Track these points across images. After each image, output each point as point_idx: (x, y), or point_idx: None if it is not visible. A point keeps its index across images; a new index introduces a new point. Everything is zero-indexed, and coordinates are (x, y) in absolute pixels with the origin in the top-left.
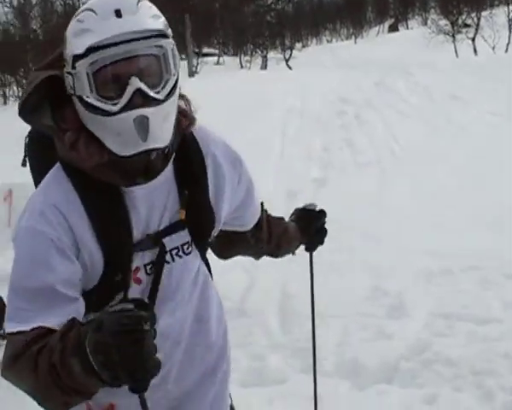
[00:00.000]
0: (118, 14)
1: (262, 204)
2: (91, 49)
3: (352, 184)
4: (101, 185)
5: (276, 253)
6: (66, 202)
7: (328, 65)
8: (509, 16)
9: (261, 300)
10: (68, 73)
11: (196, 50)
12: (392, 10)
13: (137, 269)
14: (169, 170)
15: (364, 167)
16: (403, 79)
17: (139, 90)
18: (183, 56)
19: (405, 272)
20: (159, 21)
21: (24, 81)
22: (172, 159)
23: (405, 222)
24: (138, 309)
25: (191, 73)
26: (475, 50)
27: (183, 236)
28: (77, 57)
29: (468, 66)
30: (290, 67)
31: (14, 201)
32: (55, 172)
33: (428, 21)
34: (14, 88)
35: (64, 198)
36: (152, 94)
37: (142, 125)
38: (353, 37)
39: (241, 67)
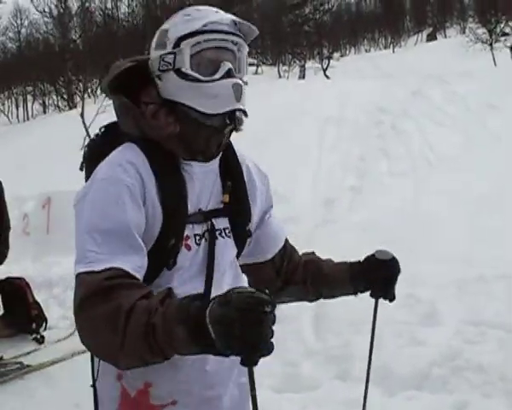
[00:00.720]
0: (217, 12)
1: (287, 239)
2: (206, 31)
3: (387, 193)
4: (167, 155)
5: (318, 295)
6: (139, 161)
7: (366, 74)
8: None
9: (295, 307)
10: (167, 53)
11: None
12: (431, 19)
13: (188, 237)
14: (216, 162)
15: (400, 177)
16: (440, 87)
17: (229, 70)
18: None
19: (438, 280)
20: None
21: (63, 90)
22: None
23: (439, 230)
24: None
25: None
26: None
27: (224, 222)
28: (183, 37)
29: (506, 74)
30: (328, 77)
31: (53, 208)
32: (126, 145)
33: (466, 30)
34: (54, 97)
35: (137, 158)
36: (238, 76)
37: (239, 90)
38: (391, 46)
39: (279, 76)
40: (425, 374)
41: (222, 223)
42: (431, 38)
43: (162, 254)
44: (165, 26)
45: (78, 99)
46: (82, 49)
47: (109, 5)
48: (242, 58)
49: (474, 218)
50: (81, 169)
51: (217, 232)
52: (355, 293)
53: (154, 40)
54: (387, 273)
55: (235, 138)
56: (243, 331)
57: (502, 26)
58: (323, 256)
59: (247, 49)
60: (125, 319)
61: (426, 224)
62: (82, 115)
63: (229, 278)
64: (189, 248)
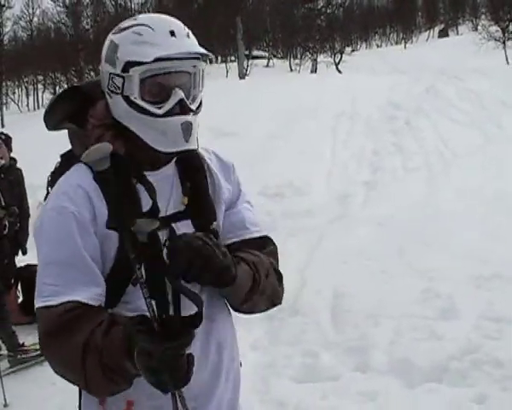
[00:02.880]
0: (172, 34)
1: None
2: (158, 60)
3: (402, 188)
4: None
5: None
6: (86, 181)
7: (377, 69)
8: None
9: (313, 299)
10: (116, 74)
11: (247, 53)
12: (442, 15)
13: None
14: (171, 167)
15: (414, 172)
16: (453, 85)
17: (181, 100)
18: (233, 58)
19: (456, 276)
20: (199, 46)
21: (75, 80)
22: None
23: (455, 227)
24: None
25: (242, 75)
26: None
27: (187, 226)
28: (132, 63)
29: None
30: (340, 71)
31: None
32: (75, 167)
33: (479, 27)
34: (65, 86)
35: (84, 178)
36: (190, 105)
37: (188, 130)
38: (403, 41)
39: (291, 70)
40: (444, 367)
41: (184, 227)
42: (443, 34)
43: (125, 271)
44: (115, 37)
45: None
46: (94, 40)
47: None
48: (198, 74)
49: (490, 215)
50: (45, 199)
51: None
52: None
53: (104, 50)
54: None
55: (252, 131)
56: (158, 369)
57: None
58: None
59: (203, 64)
60: (82, 361)
61: (441, 219)
62: None
63: (204, 295)
64: None
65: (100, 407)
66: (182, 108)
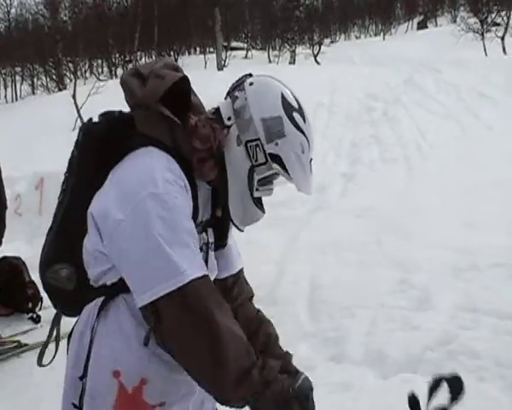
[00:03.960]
0: (310, 161)
1: (241, 270)
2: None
3: (380, 179)
4: (190, 171)
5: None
6: (180, 177)
7: (356, 61)
8: None
9: (291, 290)
10: (263, 151)
11: (225, 44)
12: (421, 7)
13: None
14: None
15: (392, 163)
16: (431, 76)
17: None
18: (212, 49)
19: (432, 267)
20: None
21: (53, 71)
22: None
23: (433, 218)
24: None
25: (220, 67)
26: (504, 49)
27: (212, 236)
28: (279, 163)
29: (497, 65)
30: (318, 63)
31: (46, 189)
32: (160, 154)
33: (458, 19)
34: (43, 78)
35: (178, 170)
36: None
37: (258, 221)
38: (382, 33)
39: (270, 61)
40: (419, 358)
41: (211, 236)
42: (422, 26)
43: None
44: (285, 121)
45: (68, 80)
46: (72, 31)
47: None
48: None
49: (467, 206)
50: (73, 153)
51: (209, 245)
52: None
53: (269, 113)
54: None
55: None
56: None
57: (493, 16)
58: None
59: None
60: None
61: (419, 210)
62: (74, 97)
63: None
64: None
65: (114, 379)
66: (261, 203)
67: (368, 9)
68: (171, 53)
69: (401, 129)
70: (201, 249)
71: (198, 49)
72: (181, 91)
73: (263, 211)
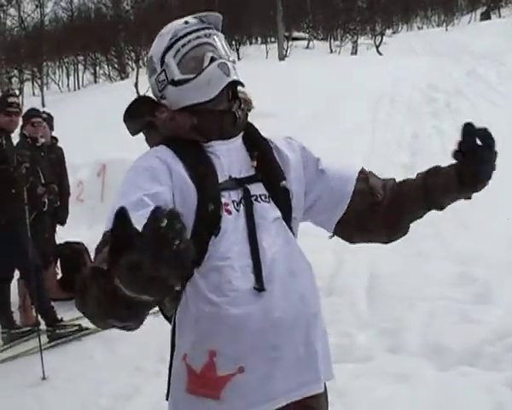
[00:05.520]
0: (186, 23)
1: (362, 171)
2: (179, 37)
3: None
4: (190, 144)
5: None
6: (167, 155)
7: (418, 52)
8: None
9: (349, 280)
10: (159, 73)
11: (286, 34)
12: None
13: (226, 204)
14: (239, 140)
15: None
16: (495, 68)
17: (212, 57)
18: (274, 40)
19: (492, 261)
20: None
21: (115, 60)
22: (242, 133)
23: (495, 211)
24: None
25: (282, 57)
26: None
27: (261, 188)
28: (163, 54)
29: None
30: (380, 53)
31: (108, 176)
32: (156, 147)
33: None
34: (105, 67)
35: (165, 153)
36: (222, 59)
37: (225, 66)
38: (444, 24)
39: (331, 51)
40: (477, 351)
41: (257, 189)
42: (485, 17)
43: (207, 222)
44: (149, 54)
45: (130, 69)
46: (134, 20)
47: None
48: (221, 43)
49: None
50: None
51: (252, 198)
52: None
53: (147, 71)
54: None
55: (287, 113)
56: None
57: None
58: None
59: (221, 35)
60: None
61: (479, 203)
62: (136, 85)
63: (280, 239)
64: (229, 213)
65: (182, 362)
66: (214, 60)
67: (430, 0)
68: (233, 43)
69: (464, 121)
70: (239, 203)
71: (259, 39)
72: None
73: (224, 72)
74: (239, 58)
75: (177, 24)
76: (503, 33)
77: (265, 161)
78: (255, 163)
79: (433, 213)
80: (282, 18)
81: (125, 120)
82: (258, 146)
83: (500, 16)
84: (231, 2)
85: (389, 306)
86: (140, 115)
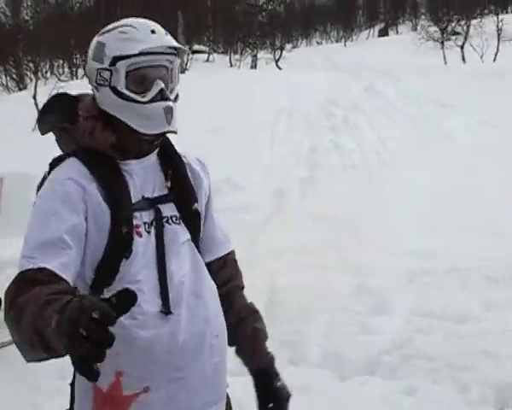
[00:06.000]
0: (153, 32)
1: (230, 254)
2: (142, 54)
3: (339, 185)
4: (104, 160)
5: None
6: (79, 174)
7: (317, 67)
8: (497, 26)
9: (249, 293)
10: (104, 69)
11: (187, 47)
12: (383, 15)
13: (138, 226)
14: (154, 157)
15: (351, 169)
16: (392, 84)
17: (161, 89)
18: None
19: (389, 272)
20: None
21: (13, 70)
22: (157, 150)
23: (392, 223)
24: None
25: (182, 70)
26: (464, 58)
27: (172, 209)
28: (119, 57)
29: (457, 73)
30: (280, 68)
31: (5, 189)
32: (67, 161)
33: (418, 27)
34: (3, 77)
35: (77, 171)
36: (169, 94)
37: (169, 113)
38: (343, 39)
39: (231, 65)
40: (376, 361)
41: (169, 210)
42: (383, 33)
43: (119, 244)
44: (101, 38)
45: (29, 80)
46: (34, 30)
47: None
48: (175, 69)
49: (426, 212)
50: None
51: (164, 219)
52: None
53: (91, 50)
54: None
55: (191, 126)
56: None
57: (453, 25)
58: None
59: (179, 60)
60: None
61: (378, 216)
62: (34, 97)
63: (188, 262)
64: (140, 235)
65: (89, 382)
66: (162, 97)
67: (330, 15)
68: None
69: (361, 135)
70: (150, 225)
71: None
72: (67, 100)
73: (165, 100)
74: None
75: (147, 35)
76: (400, 50)
77: (179, 180)
78: (169, 183)
79: (331, 228)
80: (182, 31)
81: (39, 120)
82: (172, 163)
83: (398, 33)
84: (132, 13)
85: (289, 318)
86: (54, 113)
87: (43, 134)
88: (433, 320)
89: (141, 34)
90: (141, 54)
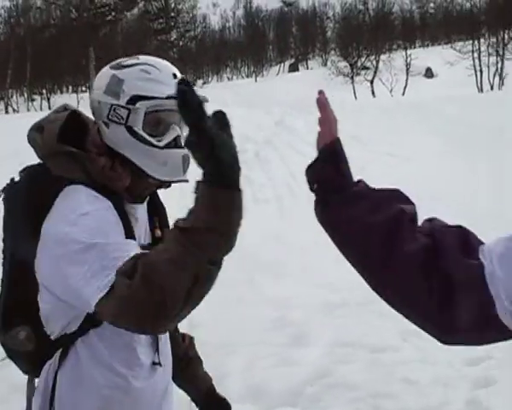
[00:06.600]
0: (175, 76)
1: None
2: (169, 98)
3: (252, 220)
4: (117, 200)
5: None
6: (107, 203)
7: (229, 102)
8: (406, 61)
9: None
10: (121, 106)
11: None
12: (293, 50)
13: None
14: (145, 205)
15: (264, 204)
16: (302, 118)
17: (178, 136)
18: (84, 88)
19: (306, 304)
20: None
21: None
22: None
23: (305, 257)
24: None
25: None
26: (373, 92)
27: None
28: (140, 97)
29: (367, 107)
30: None
31: None
32: (76, 187)
33: (328, 62)
34: None
35: (104, 201)
36: (182, 142)
37: (186, 162)
38: (254, 75)
39: None
40: (299, 392)
41: None
42: (293, 68)
43: None
44: (118, 73)
45: None
46: None
47: None
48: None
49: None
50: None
51: None
52: None
53: (104, 84)
54: None
55: None
56: None
57: (363, 60)
58: None
59: None
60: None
61: (291, 250)
62: None
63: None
64: None
65: None
66: (176, 143)
67: (240, 51)
68: (44, 91)
69: (272, 170)
70: None
71: (70, 87)
72: (78, 125)
73: (178, 147)
74: (49, 108)
75: (169, 79)
76: (310, 84)
77: (162, 230)
78: (159, 232)
79: (245, 261)
80: (94, 67)
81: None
82: (158, 210)
83: (308, 68)
84: (43, 50)
85: (208, 354)
86: (69, 143)
87: (40, 157)
88: (353, 350)
89: (163, 77)
90: (168, 98)
